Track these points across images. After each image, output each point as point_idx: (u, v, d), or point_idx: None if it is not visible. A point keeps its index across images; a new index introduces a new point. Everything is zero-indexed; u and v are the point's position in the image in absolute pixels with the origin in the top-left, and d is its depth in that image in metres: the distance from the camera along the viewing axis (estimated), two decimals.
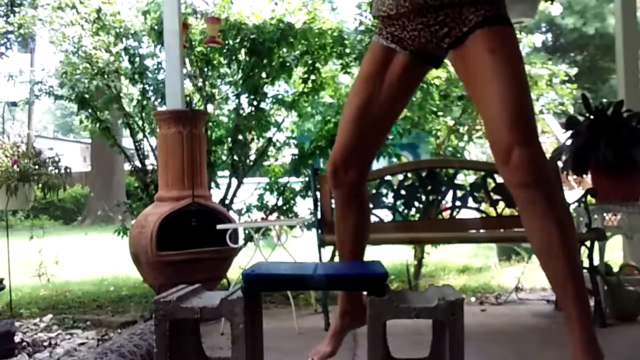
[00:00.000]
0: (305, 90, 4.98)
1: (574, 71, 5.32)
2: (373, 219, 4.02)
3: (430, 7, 1.77)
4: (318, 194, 3.92)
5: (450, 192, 4.10)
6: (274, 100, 5.07)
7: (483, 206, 4.12)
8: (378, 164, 4.71)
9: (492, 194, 4.06)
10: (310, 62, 4.86)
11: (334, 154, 1.97)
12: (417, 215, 4.23)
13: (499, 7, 1.76)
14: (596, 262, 3.53)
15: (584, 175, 3.89)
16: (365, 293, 1.74)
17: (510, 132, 1.61)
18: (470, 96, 1.90)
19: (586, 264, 3.53)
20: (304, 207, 4.93)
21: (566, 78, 5.21)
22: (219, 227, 3.60)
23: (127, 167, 5.75)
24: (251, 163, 5.04)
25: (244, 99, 4.91)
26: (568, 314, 1.69)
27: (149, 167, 4.91)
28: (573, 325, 1.67)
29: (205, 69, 4.90)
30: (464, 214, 4.11)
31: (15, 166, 4.00)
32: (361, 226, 2.08)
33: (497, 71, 1.66)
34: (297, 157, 4.90)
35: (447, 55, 1.85)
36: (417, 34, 1.82)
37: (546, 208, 1.63)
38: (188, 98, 4.69)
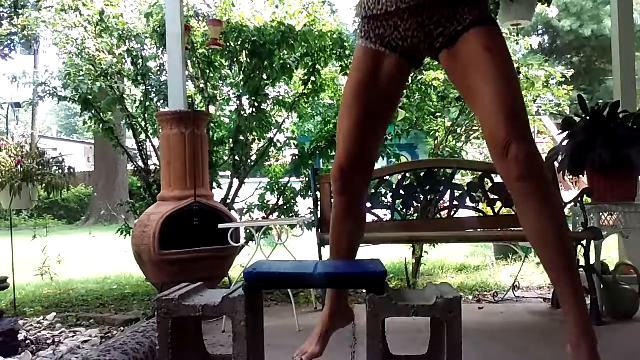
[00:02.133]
0: (306, 91, 5.02)
1: (570, 73, 5.34)
2: (372, 218, 4.06)
3: (427, 5, 1.78)
4: (318, 193, 3.96)
5: (448, 192, 4.13)
6: (274, 102, 5.10)
7: (480, 206, 4.15)
8: (378, 164, 4.74)
9: (489, 193, 4.09)
10: (310, 64, 4.89)
11: (339, 161, 1.98)
12: (416, 214, 4.26)
13: (487, 9, 1.81)
14: (592, 261, 3.56)
15: (581, 176, 3.92)
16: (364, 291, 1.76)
17: (507, 128, 1.64)
18: (462, 94, 1.91)
19: (582, 263, 3.56)
20: (304, 206, 4.95)
21: (562, 79, 5.23)
22: (220, 226, 3.62)
23: (130, 167, 5.78)
24: (252, 163, 5.06)
25: (245, 100, 4.94)
26: (563, 297, 1.74)
27: (152, 167, 4.95)
28: (569, 308, 1.73)
29: (207, 71, 4.93)
30: (462, 213, 4.14)
31: (19, 166, 4.03)
32: (357, 234, 2.11)
33: (492, 69, 1.69)
34: (297, 157, 4.93)
35: (440, 55, 1.86)
36: (410, 34, 1.83)
37: (542, 201, 1.67)
38: (190, 99, 4.71)
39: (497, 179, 4.20)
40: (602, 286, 3.56)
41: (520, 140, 1.64)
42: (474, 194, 4.11)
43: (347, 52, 4.86)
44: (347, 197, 2.03)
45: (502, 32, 1.83)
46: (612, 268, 3.80)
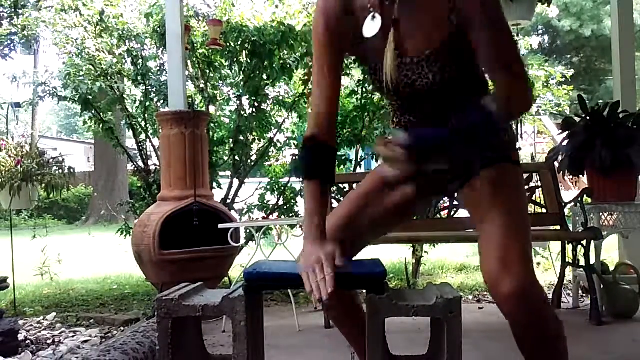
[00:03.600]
0: (306, 91, 5.02)
1: (570, 73, 5.35)
2: None
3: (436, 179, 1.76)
4: None
5: None
6: (274, 102, 5.10)
7: None
8: (377, 164, 4.74)
9: None
10: (310, 64, 4.89)
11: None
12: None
13: (511, 151, 1.77)
14: (592, 261, 3.57)
15: (581, 176, 3.92)
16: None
17: (501, 265, 1.55)
18: (475, 224, 1.83)
19: (583, 262, 3.57)
20: (304, 206, 4.95)
21: (563, 79, 5.23)
22: (220, 226, 3.63)
23: (130, 167, 5.78)
24: (252, 163, 5.07)
25: (245, 100, 4.95)
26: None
27: (152, 167, 4.95)
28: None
29: (207, 71, 4.93)
30: (462, 213, 4.14)
31: (18, 166, 4.03)
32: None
33: (493, 207, 1.66)
34: (297, 157, 4.93)
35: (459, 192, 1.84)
36: (425, 185, 1.81)
37: (535, 343, 1.61)
38: (190, 99, 4.71)
39: None
40: (602, 286, 3.56)
41: (514, 279, 1.52)
42: None
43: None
44: (340, 309, 1.92)
45: (520, 169, 1.81)
46: (612, 268, 3.81)
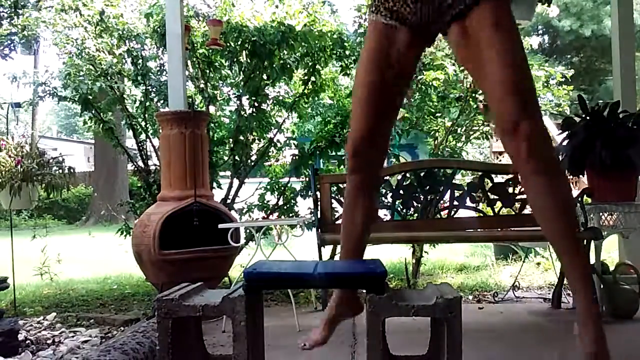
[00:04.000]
0: (306, 91, 5.02)
1: (570, 73, 5.34)
2: None
3: None
4: (318, 193, 3.96)
5: (448, 192, 4.14)
6: (274, 102, 5.10)
7: (480, 206, 4.16)
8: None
9: (489, 193, 4.09)
10: (310, 64, 4.90)
11: (355, 134, 1.94)
12: (416, 214, 4.27)
13: None
14: (592, 261, 3.57)
15: (581, 176, 3.92)
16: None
17: (518, 106, 1.65)
18: (469, 71, 1.90)
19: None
20: (304, 206, 4.96)
21: (563, 79, 5.23)
22: (220, 226, 3.63)
23: (130, 167, 5.78)
24: (252, 163, 5.07)
25: (245, 100, 4.94)
26: (570, 269, 1.75)
27: (152, 167, 4.95)
28: (575, 280, 1.73)
29: (207, 71, 4.93)
30: (462, 213, 4.15)
31: (18, 166, 4.03)
32: (370, 214, 2.06)
33: (500, 47, 1.68)
34: (297, 157, 4.94)
35: (449, 29, 1.84)
36: (419, 7, 1.82)
37: (550, 177, 1.69)
38: (190, 99, 4.71)
39: (497, 179, 4.21)
40: (602, 286, 3.56)
41: (532, 118, 1.65)
42: (474, 194, 4.11)
43: (347, 52, 4.86)
44: (363, 176, 1.98)
45: (510, 8, 1.80)
46: (612, 268, 3.81)
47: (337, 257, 3.78)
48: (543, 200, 1.72)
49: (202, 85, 4.92)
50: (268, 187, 5.06)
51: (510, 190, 4.06)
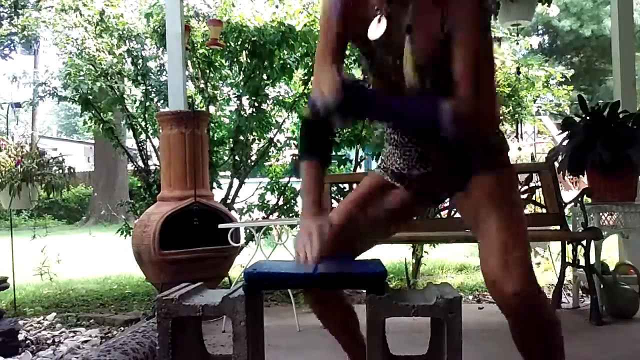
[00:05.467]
0: (306, 91, 5.01)
1: (570, 73, 5.35)
2: None
3: (436, 174, 1.79)
4: None
5: None
6: (274, 102, 5.10)
7: None
8: (377, 164, 4.74)
9: None
10: (310, 64, 4.89)
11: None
12: None
13: (500, 152, 1.80)
14: (592, 261, 3.57)
15: (581, 176, 3.92)
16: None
17: (503, 267, 1.60)
18: (473, 233, 1.87)
19: (583, 262, 3.57)
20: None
21: (563, 79, 5.24)
22: (220, 226, 3.63)
23: (130, 167, 5.78)
24: (252, 163, 5.07)
25: (245, 100, 4.95)
26: None
27: (152, 167, 4.95)
28: None
29: (207, 71, 4.93)
30: None
31: (18, 166, 4.04)
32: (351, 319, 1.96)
33: (493, 213, 1.68)
34: (297, 157, 4.94)
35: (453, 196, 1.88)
36: (423, 186, 1.84)
37: (533, 341, 1.69)
38: (190, 99, 4.71)
39: None
40: (602, 286, 3.56)
41: (517, 286, 1.58)
42: None
43: (347, 52, 4.85)
44: (326, 304, 1.92)
45: (512, 173, 1.84)
46: (612, 268, 3.81)
47: None
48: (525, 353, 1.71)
49: (202, 85, 4.92)
50: (268, 187, 5.06)
51: None
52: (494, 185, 1.74)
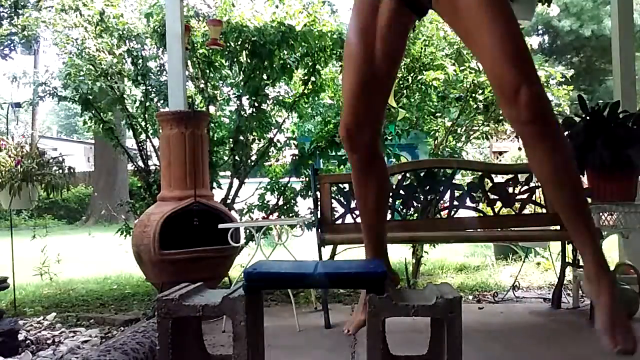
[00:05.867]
0: (306, 91, 5.02)
1: (570, 73, 5.34)
2: None
3: None
4: (318, 193, 3.96)
5: (448, 192, 4.13)
6: (274, 102, 5.10)
7: (480, 206, 4.15)
8: None
9: (489, 193, 4.09)
10: (310, 64, 4.90)
11: (345, 118, 1.94)
12: (416, 214, 4.26)
13: None
14: None
15: (581, 176, 3.92)
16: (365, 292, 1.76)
17: (516, 71, 1.62)
18: (462, 39, 1.87)
19: (582, 262, 3.56)
20: (304, 206, 4.96)
21: (563, 79, 5.23)
22: (220, 226, 3.63)
23: (130, 167, 5.78)
24: (252, 163, 5.07)
25: (245, 100, 4.94)
26: (577, 235, 1.75)
27: (152, 167, 4.95)
28: (584, 245, 1.74)
29: (207, 71, 4.93)
30: (462, 213, 4.14)
31: (18, 166, 4.03)
32: (381, 190, 2.06)
33: (493, 13, 1.66)
34: (297, 157, 4.94)
35: (437, 1, 1.81)
36: None
37: (553, 142, 1.67)
38: (190, 99, 4.71)
39: (497, 179, 4.21)
40: None
41: (529, 84, 1.62)
42: (474, 194, 4.11)
43: None
44: (360, 154, 1.99)
45: None
46: (612, 268, 3.80)
47: (337, 258, 3.79)
48: (548, 166, 1.71)
49: (202, 85, 4.92)
50: (268, 187, 5.06)
51: (510, 190, 4.06)
52: None
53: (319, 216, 3.86)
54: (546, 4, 4.38)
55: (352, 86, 1.91)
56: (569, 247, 3.89)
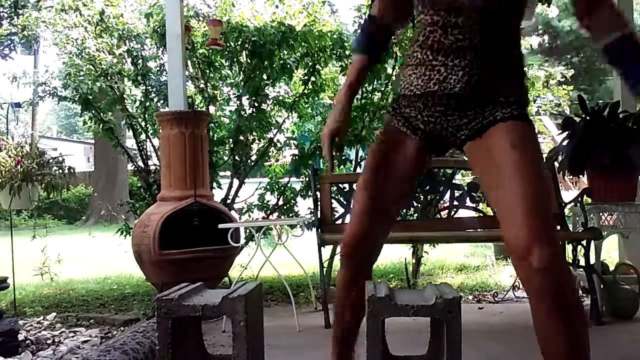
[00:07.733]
0: (306, 91, 5.02)
1: (570, 73, 5.35)
2: None
3: (455, 97, 1.67)
4: (318, 193, 3.96)
5: (448, 192, 4.13)
6: (274, 102, 5.10)
7: (480, 206, 4.15)
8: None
9: None
10: (310, 64, 4.90)
11: (349, 238, 1.86)
12: (416, 214, 4.27)
13: (523, 106, 1.69)
14: (592, 261, 3.57)
15: (581, 176, 3.92)
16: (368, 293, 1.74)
17: (531, 232, 1.48)
18: (486, 190, 1.80)
19: (583, 262, 3.57)
20: (304, 206, 4.96)
21: (563, 79, 5.24)
22: (220, 226, 3.63)
23: (130, 167, 5.78)
24: (252, 163, 5.07)
25: (245, 100, 4.95)
26: None
27: (152, 167, 4.95)
28: None
29: (207, 71, 4.93)
30: (462, 213, 4.14)
31: (18, 166, 4.03)
32: (359, 308, 1.90)
33: (518, 167, 1.55)
34: (297, 157, 4.94)
35: (464, 146, 1.76)
36: (433, 120, 1.74)
37: (563, 321, 1.53)
38: (190, 99, 4.71)
39: None
40: (602, 286, 3.56)
41: (545, 246, 1.46)
42: (474, 194, 4.11)
43: (347, 52, 4.86)
44: (352, 273, 1.91)
45: (534, 128, 1.73)
46: (612, 268, 3.81)
47: (337, 258, 3.79)
48: (554, 348, 1.58)
49: (202, 85, 4.92)
50: (268, 187, 5.06)
51: None
52: (521, 137, 1.61)
53: (319, 216, 3.86)
54: (546, 4, 4.38)
55: (362, 215, 1.84)
56: (569, 247, 3.89)
